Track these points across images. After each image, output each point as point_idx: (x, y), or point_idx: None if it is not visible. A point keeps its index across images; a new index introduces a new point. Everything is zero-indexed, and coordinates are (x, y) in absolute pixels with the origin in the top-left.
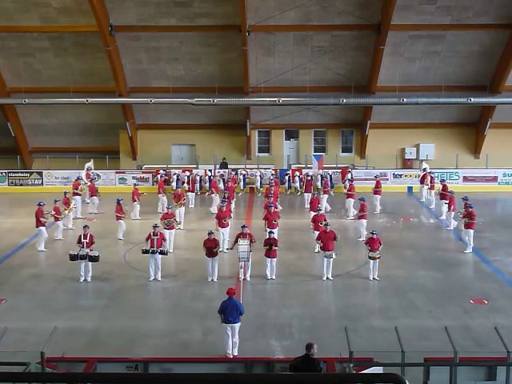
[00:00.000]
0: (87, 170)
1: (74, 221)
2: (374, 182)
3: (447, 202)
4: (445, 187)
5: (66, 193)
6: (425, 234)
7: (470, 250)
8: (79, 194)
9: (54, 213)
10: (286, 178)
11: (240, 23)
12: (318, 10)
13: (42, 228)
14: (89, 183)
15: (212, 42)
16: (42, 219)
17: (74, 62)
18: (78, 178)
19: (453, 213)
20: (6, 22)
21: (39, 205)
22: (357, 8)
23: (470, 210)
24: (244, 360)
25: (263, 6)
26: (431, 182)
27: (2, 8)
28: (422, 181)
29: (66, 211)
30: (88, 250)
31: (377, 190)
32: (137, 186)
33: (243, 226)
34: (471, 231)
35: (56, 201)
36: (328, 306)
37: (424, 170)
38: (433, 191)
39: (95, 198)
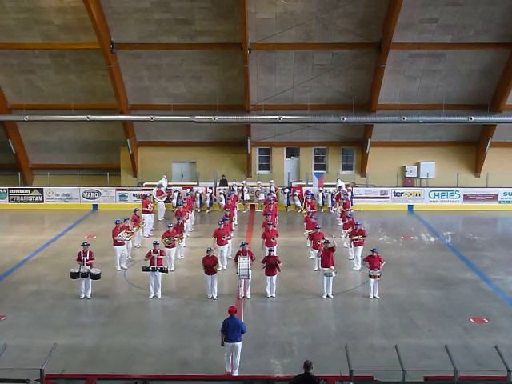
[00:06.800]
0: (158, 187)
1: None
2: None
3: (345, 221)
4: (345, 205)
5: (135, 210)
6: (425, 252)
7: (359, 268)
8: (149, 212)
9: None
10: (285, 195)
11: (241, 41)
12: (318, 29)
13: (118, 247)
14: (161, 201)
15: (213, 60)
16: (124, 239)
17: (75, 79)
18: (147, 196)
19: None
20: (8, 39)
21: (116, 224)
22: (357, 26)
23: (359, 227)
24: (244, 378)
25: (264, 24)
26: (337, 200)
27: (4, 25)
28: (337, 199)
29: (135, 228)
30: (89, 268)
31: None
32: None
33: (243, 244)
34: (360, 248)
35: (125, 219)
36: (328, 324)
37: (339, 188)
38: (337, 208)
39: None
